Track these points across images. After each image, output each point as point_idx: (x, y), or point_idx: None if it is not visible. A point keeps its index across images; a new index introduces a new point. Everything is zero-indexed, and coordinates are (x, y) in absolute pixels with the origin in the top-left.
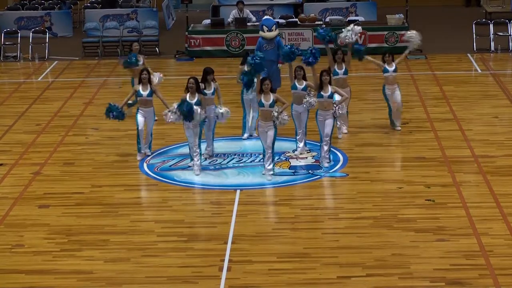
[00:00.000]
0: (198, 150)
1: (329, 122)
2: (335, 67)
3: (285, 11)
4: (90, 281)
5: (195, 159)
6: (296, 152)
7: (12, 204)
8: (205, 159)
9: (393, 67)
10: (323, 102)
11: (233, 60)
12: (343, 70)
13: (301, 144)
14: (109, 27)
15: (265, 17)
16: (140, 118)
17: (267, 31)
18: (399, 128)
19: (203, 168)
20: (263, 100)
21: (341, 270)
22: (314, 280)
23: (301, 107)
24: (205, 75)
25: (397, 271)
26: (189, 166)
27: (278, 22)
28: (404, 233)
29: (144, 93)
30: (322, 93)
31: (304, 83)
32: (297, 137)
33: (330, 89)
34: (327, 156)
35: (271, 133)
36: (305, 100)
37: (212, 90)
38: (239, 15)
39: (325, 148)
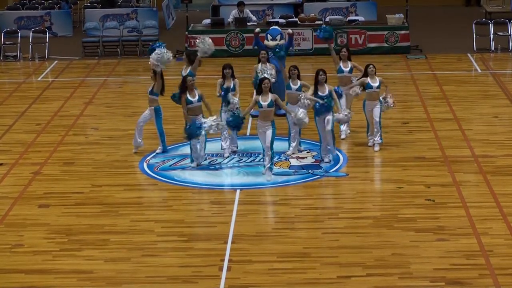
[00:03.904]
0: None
1: (328, 119)
2: (341, 64)
3: (285, 11)
4: (90, 281)
5: (199, 146)
6: (288, 152)
7: (12, 204)
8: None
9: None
10: None
11: (233, 59)
12: (349, 68)
13: (293, 144)
14: (109, 27)
15: (273, 26)
16: (145, 114)
17: (271, 40)
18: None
19: (203, 168)
20: (261, 101)
21: (341, 270)
22: (314, 280)
23: (296, 107)
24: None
25: (397, 271)
26: (189, 166)
27: (278, 21)
28: (404, 233)
29: (148, 89)
30: (319, 93)
31: (299, 82)
32: (291, 136)
33: (327, 87)
34: (331, 148)
35: (269, 132)
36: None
37: (232, 86)
38: (239, 15)
39: (328, 142)
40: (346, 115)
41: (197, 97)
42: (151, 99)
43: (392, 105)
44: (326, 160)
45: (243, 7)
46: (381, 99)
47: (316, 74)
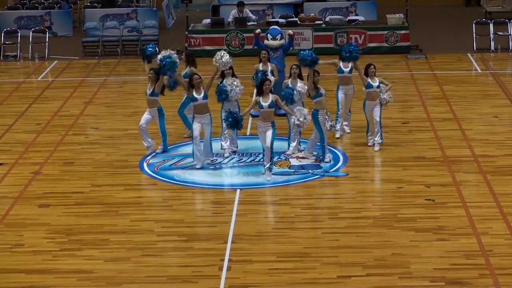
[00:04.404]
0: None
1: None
2: (341, 64)
3: (285, 11)
4: (90, 281)
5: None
6: (288, 151)
7: (12, 204)
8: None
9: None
10: (322, 101)
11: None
12: (349, 68)
13: (293, 144)
14: (109, 27)
15: (273, 26)
16: (146, 116)
17: (271, 39)
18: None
19: (203, 168)
20: (261, 101)
21: (341, 269)
22: (314, 279)
23: (296, 106)
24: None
25: (397, 270)
26: (193, 165)
27: (278, 21)
28: (404, 233)
29: (148, 91)
30: (321, 91)
31: (299, 82)
32: (291, 136)
33: (322, 88)
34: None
35: (270, 133)
36: (381, 97)
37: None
38: (239, 15)
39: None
40: (328, 119)
41: (202, 94)
42: (152, 100)
43: (389, 98)
44: (326, 160)
45: (243, 7)
46: (380, 96)
47: (313, 75)
